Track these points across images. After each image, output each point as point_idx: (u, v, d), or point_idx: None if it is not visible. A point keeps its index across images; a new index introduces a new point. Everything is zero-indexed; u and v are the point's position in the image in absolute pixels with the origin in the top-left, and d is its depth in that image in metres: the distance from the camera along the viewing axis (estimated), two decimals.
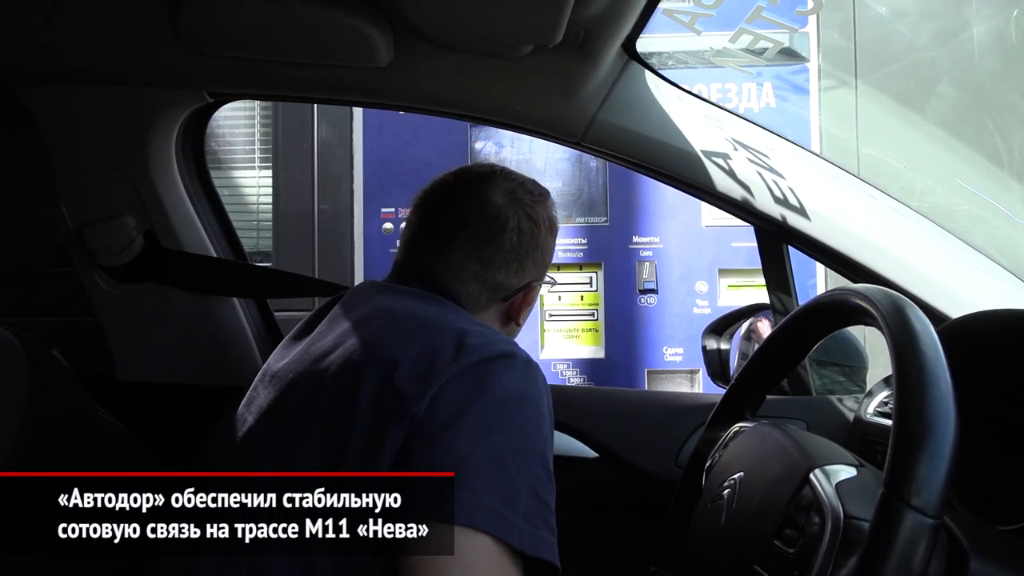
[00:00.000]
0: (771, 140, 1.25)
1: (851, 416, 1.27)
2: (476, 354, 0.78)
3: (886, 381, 1.23)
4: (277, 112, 2.72)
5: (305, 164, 2.54)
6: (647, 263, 2.28)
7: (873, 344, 1.21)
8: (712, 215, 2.25)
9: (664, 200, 2.28)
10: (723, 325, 1.49)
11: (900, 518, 0.51)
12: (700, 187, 1.21)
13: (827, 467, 0.70)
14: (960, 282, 1.16)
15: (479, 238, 0.97)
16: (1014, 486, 0.82)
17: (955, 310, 1.10)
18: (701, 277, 2.22)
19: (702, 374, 2.28)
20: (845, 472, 0.69)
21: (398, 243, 2.08)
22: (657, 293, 2.31)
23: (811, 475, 0.69)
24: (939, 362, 0.58)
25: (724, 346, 1.47)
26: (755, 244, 2.21)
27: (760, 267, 2.20)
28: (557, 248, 2.48)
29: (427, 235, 1.00)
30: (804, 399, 1.36)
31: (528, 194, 1.03)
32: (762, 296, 2.21)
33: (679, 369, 2.28)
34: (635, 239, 2.32)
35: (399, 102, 1.20)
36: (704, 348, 1.47)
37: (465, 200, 1.00)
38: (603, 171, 2.33)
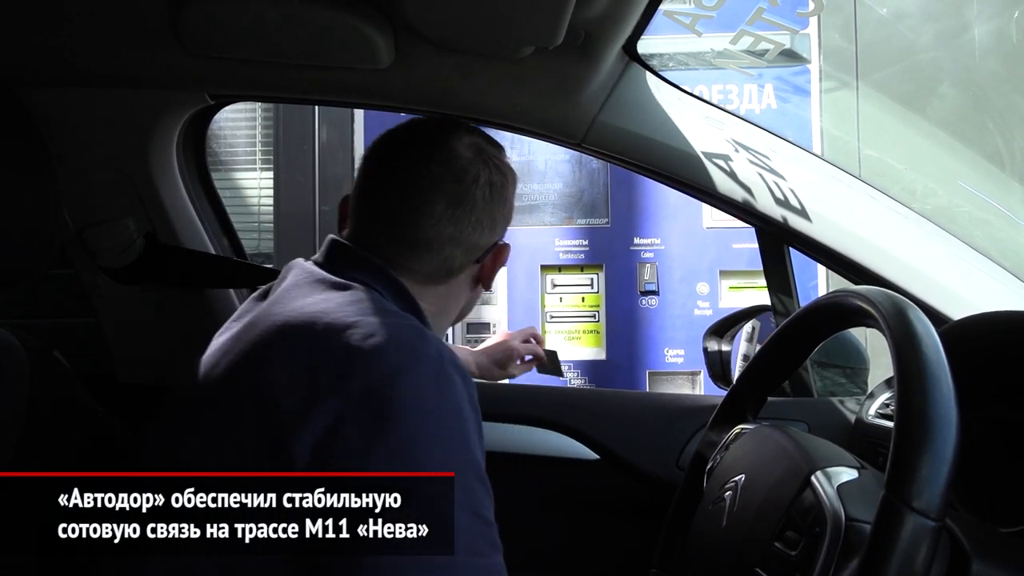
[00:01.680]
0: (772, 141, 1.26)
1: (852, 418, 1.27)
2: (370, 369, 0.69)
3: (887, 383, 1.23)
4: (278, 114, 2.72)
5: (306, 165, 2.54)
6: (648, 265, 2.28)
7: (874, 345, 1.21)
8: (713, 216, 2.25)
9: (665, 202, 2.28)
10: (724, 327, 1.49)
11: (902, 520, 0.51)
12: (701, 188, 1.21)
13: (828, 469, 0.70)
14: (961, 284, 1.16)
15: (451, 196, 0.88)
16: (1016, 488, 0.82)
17: (956, 311, 1.10)
18: (702, 279, 2.22)
19: (703, 376, 2.28)
20: (846, 474, 0.69)
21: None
22: (658, 295, 2.31)
23: (812, 477, 0.69)
24: (941, 364, 0.58)
25: (725, 348, 1.47)
26: (756, 245, 2.22)
27: (761, 268, 2.22)
28: (558, 250, 2.47)
29: (392, 199, 0.89)
30: (805, 401, 1.36)
31: (491, 146, 0.96)
32: (764, 298, 2.22)
33: (680, 371, 2.28)
34: (636, 240, 2.32)
35: (400, 103, 1.19)
36: (705, 350, 1.47)
37: (431, 155, 0.90)
38: (604, 172, 2.33)
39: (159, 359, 1.39)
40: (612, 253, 2.32)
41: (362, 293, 0.79)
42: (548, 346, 1.45)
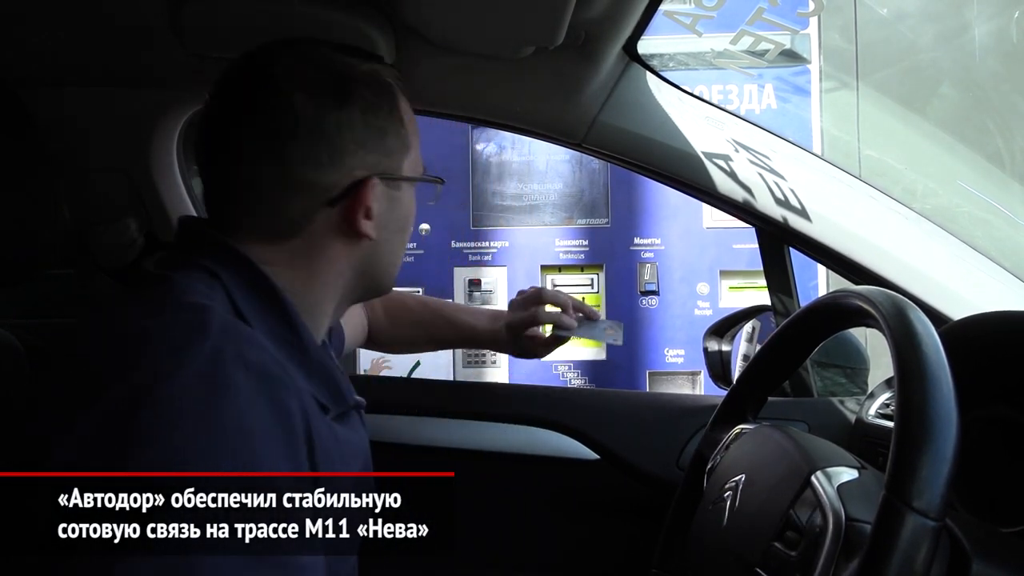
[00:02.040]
0: (772, 141, 1.26)
1: (852, 418, 1.27)
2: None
3: (887, 383, 1.23)
4: None
5: None
6: (648, 265, 2.29)
7: (874, 346, 1.21)
8: (713, 217, 2.25)
9: (666, 202, 2.29)
10: (724, 327, 1.49)
11: (902, 520, 0.51)
12: (701, 188, 1.21)
13: (828, 469, 0.70)
14: (961, 284, 1.16)
15: (263, 128, 0.71)
16: (1016, 488, 0.82)
17: (956, 311, 1.10)
18: (702, 279, 2.22)
19: (703, 376, 2.28)
20: (847, 474, 0.69)
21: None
22: (658, 295, 2.31)
23: (812, 477, 0.69)
24: (941, 364, 0.58)
25: (726, 348, 1.47)
26: (756, 246, 2.21)
27: (761, 269, 2.21)
28: (558, 250, 2.44)
29: (204, 150, 0.76)
30: (806, 401, 1.36)
31: (333, 55, 0.76)
32: (764, 298, 2.21)
33: (681, 371, 2.28)
34: (636, 241, 2.32)
35: None
36: (705, 350, 1.47)
37: (237, 88, 0.75)
38: (605, 173, 2.33)
39: None
40: (612, 253, 2.33)
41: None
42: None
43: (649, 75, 1.20)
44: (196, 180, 1.36)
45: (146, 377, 0.55)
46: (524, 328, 1.16)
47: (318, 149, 0.72)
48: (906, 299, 0.66)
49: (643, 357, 2.31)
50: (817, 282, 2.27)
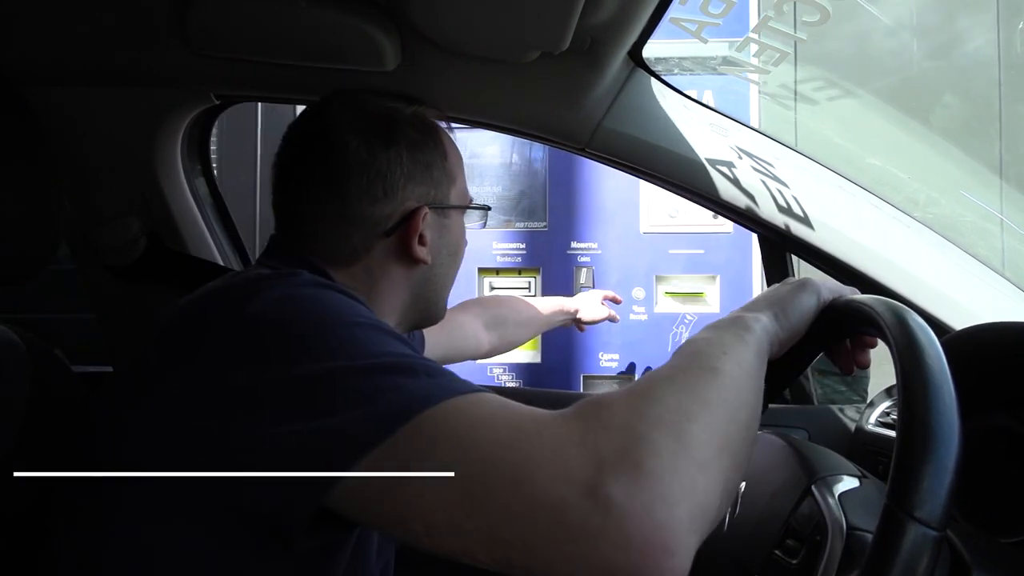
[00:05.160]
0: (776, 149, 1.26)
1: (852, 426, 1.27)
2: None
3: (888, 391, 1.23)
4: (221, 117, 2.69)
5: (248, 171, 2.49)
6: (585, 268, 2.28)
7: (874, 354, 1.21)
8: (650, 222, 2.25)
9: (603, 206, 2.27)
10: None
11: (904, 530, 0.51)
12: (704, 195, 1.21)
13: (830, 478, 0.70)
14: (963, 293, 1.16)
15: (323, 173, 0.83)
16: (1015, 498, 0.82)
17: (958, 321, 1.10)
18: (638, 283, 2.20)
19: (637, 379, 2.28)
20: (848, 483, 0.69)
21: None
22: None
23: (813, 486, 0.69)
24: (943, 374, 0.58)
25: None
26: (692, 251, 2.22)
27: (696, 273, 2.22)
28: (496, 253, 2.45)
29: (275, 195, 0.88)
30: (806, 408, 1.36)
31: (379, 101, 0.87)
32: (698, 304, 2.22)
33: (615, 375, 2.28)
34: (573, 244, 2.30)
35: None
36: None
37: (299, 138, 0.87)
38: (543, 176, 2.32)
39: None
40: (549, 256, 2.30)
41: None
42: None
43: (654, 81, 1.20)
44: (200, 180, 1.36)
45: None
46: (595, 322, 1.72)
47: (373, 185, 0.83)
48: (909, 309, 0.66)
49: (578, 361, 2.29)
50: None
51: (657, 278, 2.22)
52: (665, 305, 2.25)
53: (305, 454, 0.56)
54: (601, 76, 1.09)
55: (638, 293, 2.25)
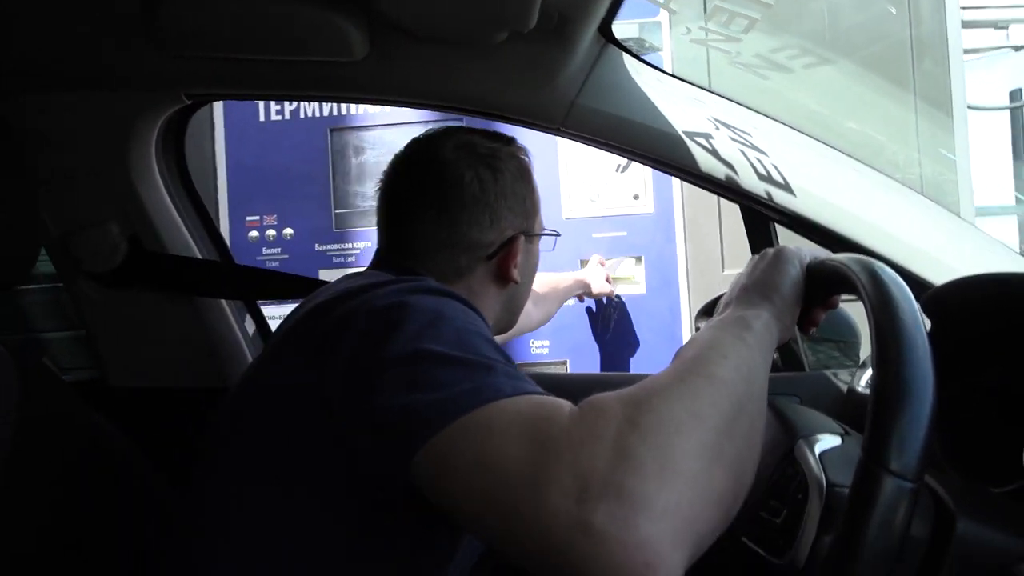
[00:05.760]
0: (753, 118, 1.25)
1: (845, 389, 1.27)
2: None
3: None
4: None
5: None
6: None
7: (864, 320, 1.21)
8: (571, 207, 2.25)
9: None
10: (714, 306, 1.48)
11: (879, 483, 0.51)
12: (683, 168, 1.21)
13: (811, 437, 0.70)
14: (944, 250, 1.16)
15: (438, 201, 0.93)
16: (1005, 449, 0.82)
17: (940, 278, 1.10)
18: (564, 268, 2.20)
19: (569, 366, 2.29)
20: (829, 441, 0.70)
21: (264, 251, 2.15)
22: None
23: (795, 446, 0.69)
24: (917, 327, 0.58)
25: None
26: (615, 234, 2.23)
27: (622, 255, 2.23)
28: None
29: (387, 216, 0.98)
30: (798, 375, 1.36)
31: (484, 141, 0.98)
32: (623, 286, 2.22)
33: (547, 361, 2.29)
34: None
35: (377, 95, 1.19)
36: (697, 329, 1.47)
37: (415, 167, 0.97)
38: None
39: (150, 361, 1.39)
40: None
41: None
42: None
43: (627, 56, 1.19)
44: (177, 181, 1.36)
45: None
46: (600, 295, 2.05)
47: (482, 216, 0.94)
48: (881, 263, 0.66)
49: (509, 348, 2.28)
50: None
51: (582, 263, 2.22)
52: None
53: (393, 426, 0.61)
54: (572, 54, 1.09)
55: None
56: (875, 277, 0.64)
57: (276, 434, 0.72)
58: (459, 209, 0.93)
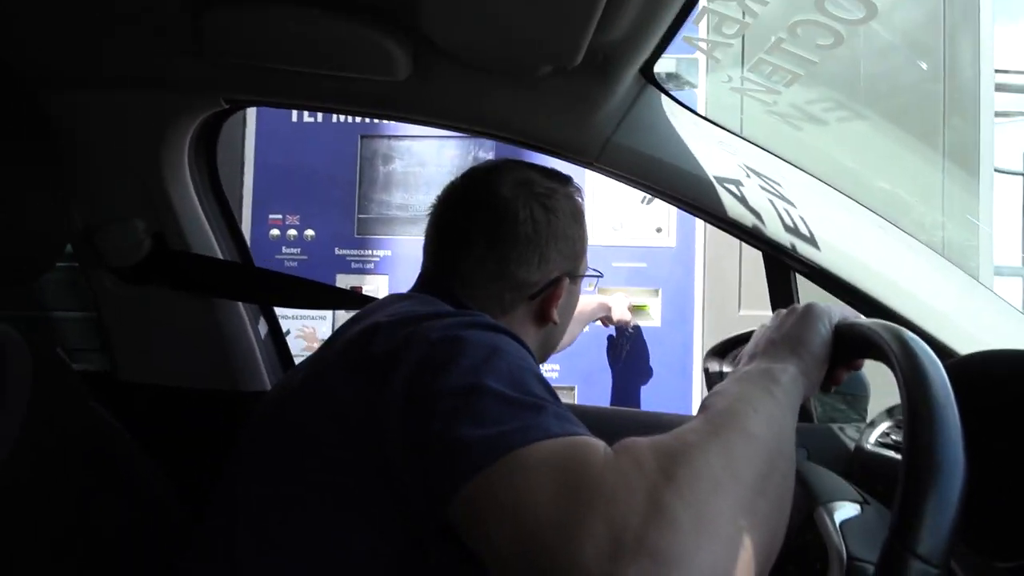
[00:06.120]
0: (784, 168, 1.25)
1: (852, 445, 1.27)
2: None
3: (889, 412, 1.23)
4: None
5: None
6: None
7: (874, 374, 1.21)
8: (594, 234, 2.23)
9: None
10: (726, 348, 1.48)
11: (905, 567, 0.51)
12: (711, 212, 1.21)
13: (831, 504, 0.70)
14: (967, 318, 1.15)
15: (490, 236, 0.93)
16: (1014, 524, 0.82)
17: (962, 346, 1.10)
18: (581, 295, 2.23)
19: (577, 391, 2.30)
20: (849, 510, 0.69)
21: (283, 249, 2.14)
22: None
23: (815, 513, 0.68)
24: (950, 407, 0.58)
25: (727, 369, 1.46)
26: (635, 264, 2.23)
27: (629, 285, 2.23)
28: None
29: (437, 243, 0.98)
30: (806, 426, 1.36)
31: (542, 181, 0.98)
32: (639, 316, 2.21)
33: (557, 386, 2.29)
34: None
35: (416, 116, 1.19)
36: (706, 371, 1.46)
37: (471, 199, 0.97)
38: None
39: (162, 359, 1.39)
40: None
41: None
42: None
43: (664, 98, 1.20)
44: (206, 183, 1.36)
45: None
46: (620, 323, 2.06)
47: (531, 255, 0.94)
48: (915, 335, 0.66)
49: None
50: None
51: (600, 291, 2.23)
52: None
53: (440, 458, 0.60)
54: (612, 92, 1.09)
55: None
56: (908, 349, 0.64)
57: (316, 452, 0.71)
58: (510, 247, 0.93)
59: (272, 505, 0.73)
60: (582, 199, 1.03)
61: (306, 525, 0.70)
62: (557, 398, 0.68)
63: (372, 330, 0.74)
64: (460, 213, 0.97)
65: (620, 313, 2.08)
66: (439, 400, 0.63)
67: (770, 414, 0.62)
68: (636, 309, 2.25)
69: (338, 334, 0.84)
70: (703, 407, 0.65)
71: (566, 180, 1.02)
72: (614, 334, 2.29)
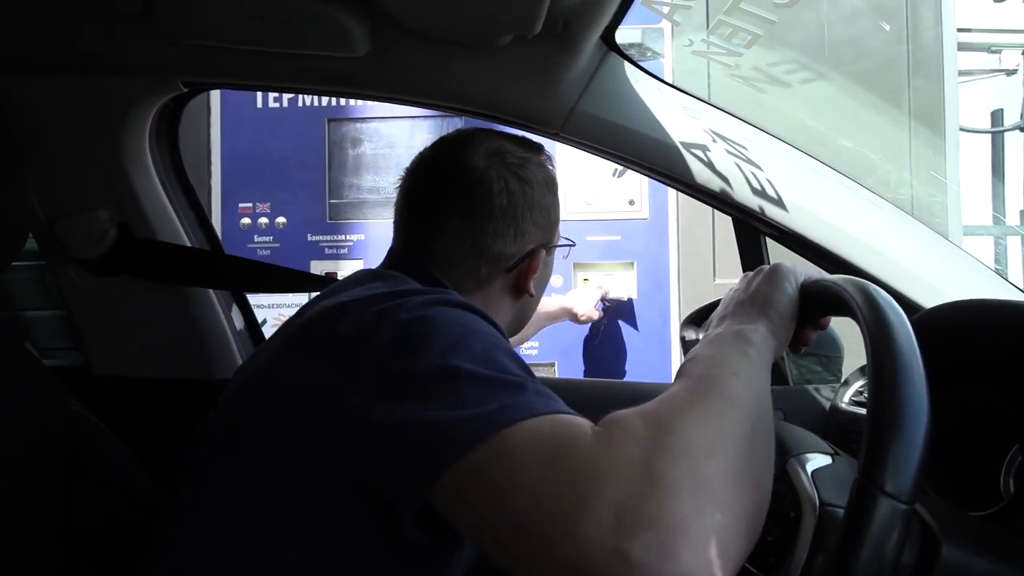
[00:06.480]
0: (749, 132, 1.26)
1: (827, 405, 1.28)
2: None
3: (861, 370, 1.25)
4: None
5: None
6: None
7: (847, 335, 1.22)
8: (568, 209, 2.28)
9: None
10: (702, 316, 1.48)
11: (874, 504, 0.52)
12: (678, 179, 1.21)
13: (802, 456, 0.71)
14: (933, 273, 1.17)
15: (465, 209, 0.90)
16: (985, 472, 0.83)
17: (928, 300, 1.11)
18: (556, 271, 2.22)
19: (557, 368, 2.31)
20: (820, 460, 0.70)
21: (255, 238, 2.13)
22: None
23: (787, 465, 0.69)
24: (913, 352, 0.59)
25: (703, 337, 1.47)
26: (609, 238, 2.24)
27: (604, 259, 2.24)
28: None
29: (408, 216, 0.95)
30: (782, 389, 1.37)
31: (515, 150, 0.95)
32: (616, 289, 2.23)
33: (535, 363, 2.30)
34: None
35: (376, 92, 1.18)
36: (683, 339, 1.47)
37: (442, 170, 0.94)
38: None
39: (134, 350, 1.37)
40: None
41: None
42: None
43: (627, 65, 1.19)
44: (170, 170, 1.34)
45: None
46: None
47: (507, 228, 0.91)
48: (879, 288, 0.67)
49: None
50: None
51: (575, 265, 2.23)
52: None
53: (420, 443, 0.59)
54: (574, 60, 1.09)
55: (556, 281, 2.27)
56: (872, 301, 0.65)
57: (283, 437, 0.69)
58: (485, 220, 0.90)
59: (229, 491, 0.71)
60: (554, 167, 1.01)
61: (263, 507, 0.69)
62: (532, 374, 0.67)
63: (339, 310, 0.72)
64: (431, 184, 0.94)
65: (585, 311, 2.02)
66: (415, 383, 0.62)
67: (748, 376, 0.63)
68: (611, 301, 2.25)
69: (300, 313, 0.81)
70: (681, 372, 0.65)
71: (538, 149, 1.00)
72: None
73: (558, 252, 1.10)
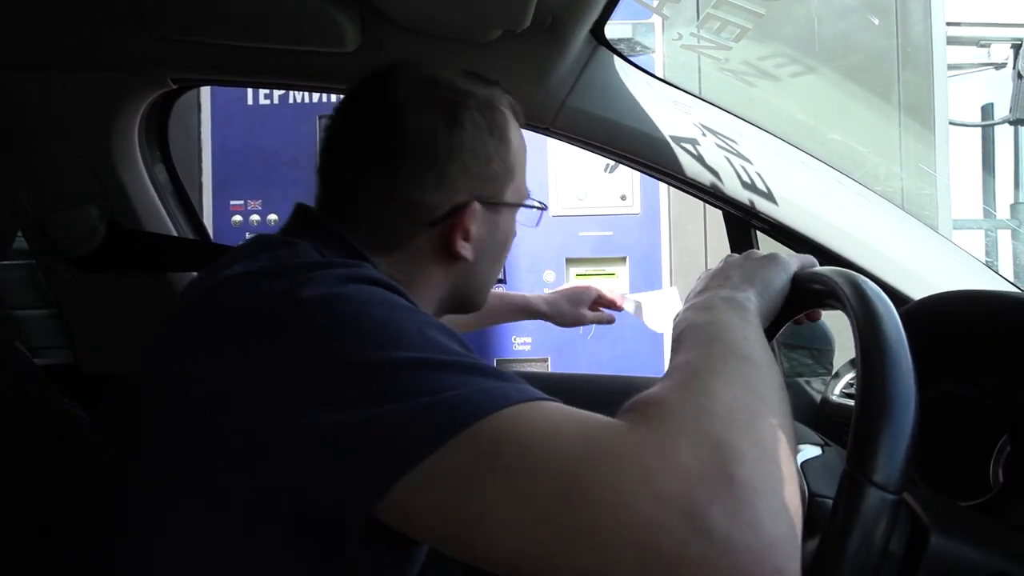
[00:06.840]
0: (739, 126, 1.26)
1: (818, 397, 1.29)
2: None
3: (852, 363, 1.25)
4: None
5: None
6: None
7: (839, 328, 1.23)
8: (559, 205, 2.27)
9: None
10: None
11: (862, 494, 0.52)
12: (669, 172, 1.21)
13: None
14: (922, 265, 1.18)
15: (379, 150, 0.76)
16: (974, 462, 0.84)
17: (918, 292, 1.12)
18: (549, 266, 2.22)
19: (550, 363, 2.31)
20: (810, 451, 0.70)
21: (247, 236, 2.15)
22: (505, 283, 2.30)
23: None
24: (901, 343, 0.59)
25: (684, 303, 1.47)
26: (601, 233, 2.25)
27: (596, 255, 2.25)
28: None
29: (322, 162, 0.81)
30: None
31: (451, 82, 0.79)
32: (609, 286, 2.23)
33: (528, 358, 2.30)
34: None
35: None
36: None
37: (358, 106, 0.79)
38: None
39: (124, 347, 1.36)
40: None
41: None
42: None
43: (617, 59, 1.19)
44: (159, 166, 1.34)
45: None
46: (573, 323, 1.40)
47: (425, 172, 0.76)
48: (868, 280, 0.67)
49: (491, 345, 2.30)
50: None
51: (568, 260, 2.23)
52: None
53: (357, 451, 0.50)
54: (564, 55, 1.09)
55: (549, 276, 2.27)
56: (860, 292, 0.65)
57: (190, 444, 0.57)
58: (399, 161, 0.75)
59: (141, 509, 0.59)
60: (509, 111, 0.84)
61: (175, 532, 0.57)
62: (470, 349, 0.59)
63: (230, 285, 0.62)
64: (344, 123, 0.80)
65: (570, 317, 1.53)
66: (344, 376, 0.53)
67: (757, 337, 0.60)
68: (602, 278, 2.25)
69: (191, 290, 0.71)
70: (683, 342, 0.60)
71: (491, 84, 0.83)
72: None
73: (528, 220, 0.95)
